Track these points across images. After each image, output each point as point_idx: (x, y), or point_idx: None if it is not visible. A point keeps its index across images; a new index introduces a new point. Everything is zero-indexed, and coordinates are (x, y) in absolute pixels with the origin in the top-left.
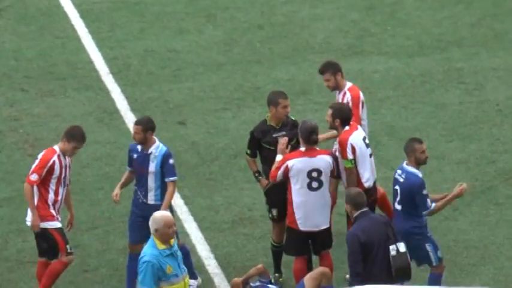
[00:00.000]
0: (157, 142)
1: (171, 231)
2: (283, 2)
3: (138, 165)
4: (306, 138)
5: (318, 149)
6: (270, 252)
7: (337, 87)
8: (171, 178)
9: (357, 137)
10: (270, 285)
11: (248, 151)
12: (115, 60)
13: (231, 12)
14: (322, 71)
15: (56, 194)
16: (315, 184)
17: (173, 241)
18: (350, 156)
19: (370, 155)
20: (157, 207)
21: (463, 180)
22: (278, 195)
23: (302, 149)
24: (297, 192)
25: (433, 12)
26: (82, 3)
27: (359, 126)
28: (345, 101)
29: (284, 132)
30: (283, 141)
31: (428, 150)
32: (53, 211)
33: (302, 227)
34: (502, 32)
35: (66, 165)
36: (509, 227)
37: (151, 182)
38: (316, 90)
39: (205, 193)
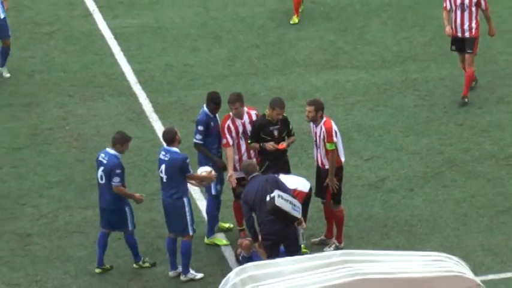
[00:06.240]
0: None
1: None
2: (275, 26)
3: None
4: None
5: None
6: None
7: None
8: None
9: (335, 125)
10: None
11: (249, 141)
12: (142, 72)
13: (234, 34)
14: None
15: None
16: None
17: None
18: (335, 139)
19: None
20: None
21: (417, 167)
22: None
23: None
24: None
25: (394, 34)
26: (116, 27)
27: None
28: None
29: (279, 126)
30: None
31: (389, 144)
32: None
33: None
34: (449, 50)
35: None
36: (453, 204)
37: None
38: (301, 96)
39: None
